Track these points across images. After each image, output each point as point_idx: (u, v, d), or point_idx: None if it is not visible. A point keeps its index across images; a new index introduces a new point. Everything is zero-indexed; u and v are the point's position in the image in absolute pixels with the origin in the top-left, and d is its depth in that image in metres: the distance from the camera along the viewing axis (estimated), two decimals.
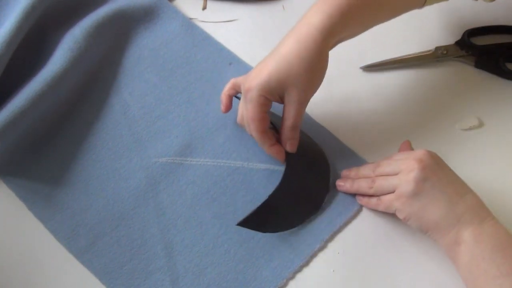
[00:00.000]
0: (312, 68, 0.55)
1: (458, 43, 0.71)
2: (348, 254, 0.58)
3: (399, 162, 0.56)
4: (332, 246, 0.59)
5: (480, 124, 0.66)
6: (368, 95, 0.68)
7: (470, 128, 0.66)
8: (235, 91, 0.62)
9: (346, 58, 0.70)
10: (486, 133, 0.66)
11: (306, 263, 0.58)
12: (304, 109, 0.57)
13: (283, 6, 0.76)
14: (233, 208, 0.60)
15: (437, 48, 0.71)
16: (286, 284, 0.57)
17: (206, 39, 0.72)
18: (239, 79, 0.61)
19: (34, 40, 0.66)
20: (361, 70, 0.70)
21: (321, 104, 0.67)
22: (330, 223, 0.59)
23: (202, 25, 0.73)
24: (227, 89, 0.63)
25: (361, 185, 0.59)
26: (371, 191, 0.58)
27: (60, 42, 0.65)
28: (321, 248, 0.58)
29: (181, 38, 0.71)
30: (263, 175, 0.62)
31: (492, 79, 0.70)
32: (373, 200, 0.58)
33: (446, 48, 0.71)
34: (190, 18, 0.74)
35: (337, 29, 0.55)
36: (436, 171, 0.54)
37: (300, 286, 0.57)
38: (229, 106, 0.63)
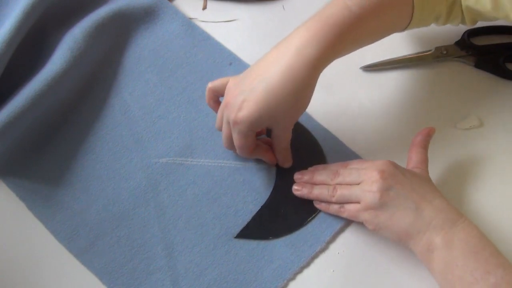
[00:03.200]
0: (302, 101, 0.55)
1: (458, 43, 0.71)
2: (348, 255, 0.58)
3: (361, 172, 0.56)
4: (333, 247, 0.59)
5: (480, 124, 0.66)
6: (368, 95, 0.68)
7: (470, 128, 0.66)
8: (217, 97, 0.60)
9: (346, 58, 0.70)
10: (486, 133, 0.66)
11: (307, 264, 0.58)
12: (291, 130, 0.58)
13: (283, 6, 0.76)
14: (234, 209, 0.60)
15: (437, 48, 0.71)
16: (286, 284, 0.57)
17: (206, 39, 0.72)
18: (216, 84, 0.59)
19: (34, 40, 0.66)
20: (361, 70, 0.70)
21: (321, 104, 0.67)
22: (331, 224, 0.59)
23: (202, 25, 0.73)
24: (208, 98, 0.60)
25: (322, 193, 0.58)
26: (333, 200, 0.57)
27: (60, 42, 0.65)
28: (322, 249, 0.58)
29: (181, 38, 0.71)
30: (264, 175, 0.62)
31: (492, 79, 0.70)
32: (335, 207, 0.58)
33: (446, 48, 0.70)
34: (190, 18, 0.74)
35: (330, 60, 0.55)
36: (400, 180, 0.54)
37: (301, 286, 0.57)
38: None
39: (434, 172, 0.62)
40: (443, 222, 0.52)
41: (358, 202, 0.55)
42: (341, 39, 0.54)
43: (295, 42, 0.53)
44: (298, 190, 0.60)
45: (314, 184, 0.60)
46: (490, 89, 0.69)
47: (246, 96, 0.53)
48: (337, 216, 0.59)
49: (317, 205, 0.60)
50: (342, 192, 0.56)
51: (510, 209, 0.61)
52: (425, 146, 0.59)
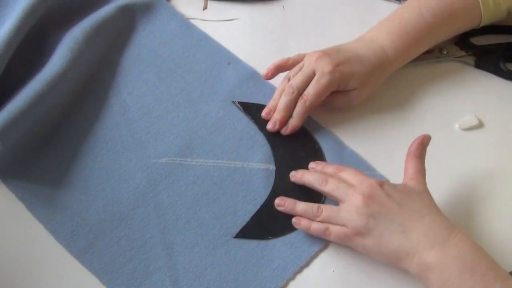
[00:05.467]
0: (377, 85, 0.66)
1: (458, 43, 0.71)
2: (348, 254, 0.58)
3: (348, 191, 0.55)
4: (333, 247, 0.59)
5: (480, 124, 0.66)
6: (368, 95, 0.68)
7: (470, 128, 0.66)
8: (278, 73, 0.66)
9: None
10: (486, 133, 0.66)
11: (306, 264, 0.58)
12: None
13: (283, 6, 0.76)
14: (233, 209, 0.60)
15: (437, 48, 0.70)
16: (286, 284, 0.57)
17: (205, 39, 0.72)
18: (284, 62, 0.66)
19: (34, 40, 0.66)
20: None
21: (322, 103, 0.67)
22: None
23: (201, 25, 0.73)
24: (271, 73, 0.66)
25: (307, 211, 0.57)
26: (317, 220, 0.57)
27: (60, 42, 0.65)
28: (322, 249, 0.58)
29: (179, 38, 0.71)
30: (263, 175, 0.62)
31: (492, 79, 0.70)
32: (319, 227, 0.56)
33: (446, 48, 0.70)
34: (190, 18, 0.74)
35: (404, 61, 0.67)
36: (384, 203, 0.53)
37: (300, 286, 0.57)
38: (274, 74, 0.66)
39: (434, 172, 0.61)
40: (433, 240, 0.51)
41: (344, 225, 0.54)
42: (415, 45, 0.66)
43: (381, 43, 0.65)
44: (281, 205, 0.59)
45: (303, 183, 0.59)
46: (490, 89, 0.69)
47: (343, 60, 0.63)
48: None
49: (297, 225, 0.58)
50: (327, 214, 0.56)
51: (510, 208, 0.61)
52: (420, 156, 0.57)
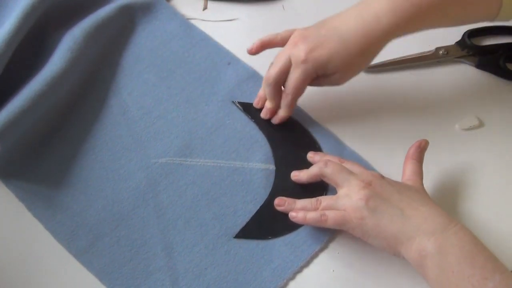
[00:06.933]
0: (365, 62, 0.60)
1: (458, 43, 0.71)
2: (348, 254, 0.58)
3: (351, 177, 0.55)
4: (332, 246, 0.59)
5: (480, 124, 0.66)
6: (369, 96, 0.68)
7: (470, 128, 0.66)
8: (263, 49, 0.64)
9: None
10: (486, 133, 0.66)
11: (306, 264, 0.58)
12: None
13: (283, 6, 0.76)
14: (233, 209, 0.60)
15: (437, 49, 0.71)
16: (286, 284, 0.57)
17: (205, 39, 0.72)
18: (269, 38, 0.63)
19: (34, 40, 0.66)
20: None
21: (322, 104, 0.67)
22: None
23: (201, 25, 0.73)
24: (256, 48, 0.63)
25: (306, 206, 0.57)
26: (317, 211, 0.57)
27: (60, 42, 0.65)
28: (322, 249, 0.58)
29: (179, 38, 0.71)
30: (263, 175, 0.62)
31: (492, 79, 0.70)
32: (314, 215, 0.55)
33: (446, 48, 0.70)
34: (190, 18, 0.74)
35: (402, 34, 0.58)
36: (385, 188, 0.54)
37: (300, 286, 0.57)
38: (258, 51, 0.64)
39: (434, 172, 0.62)
40: (433, 227, 0.51)
41: (344, 210, 0.54)
42: (418, 18, 0.57)
43: (376, 8, 0.57)
44: (280, 205, 0.59)
45: (307, 175, 0.59)
46: (490, 89, 0.69)
47: (320, 41, 0.58)
48: None
49: (294, 218, 0.57)
50: (327, 203, 0.56)
51: (509, 209, 0.61)
52: (417, 158, 0.58)
